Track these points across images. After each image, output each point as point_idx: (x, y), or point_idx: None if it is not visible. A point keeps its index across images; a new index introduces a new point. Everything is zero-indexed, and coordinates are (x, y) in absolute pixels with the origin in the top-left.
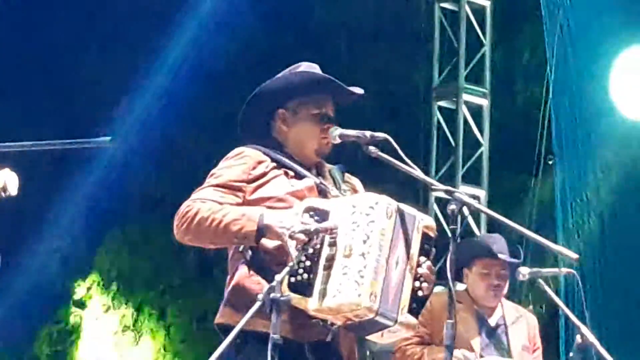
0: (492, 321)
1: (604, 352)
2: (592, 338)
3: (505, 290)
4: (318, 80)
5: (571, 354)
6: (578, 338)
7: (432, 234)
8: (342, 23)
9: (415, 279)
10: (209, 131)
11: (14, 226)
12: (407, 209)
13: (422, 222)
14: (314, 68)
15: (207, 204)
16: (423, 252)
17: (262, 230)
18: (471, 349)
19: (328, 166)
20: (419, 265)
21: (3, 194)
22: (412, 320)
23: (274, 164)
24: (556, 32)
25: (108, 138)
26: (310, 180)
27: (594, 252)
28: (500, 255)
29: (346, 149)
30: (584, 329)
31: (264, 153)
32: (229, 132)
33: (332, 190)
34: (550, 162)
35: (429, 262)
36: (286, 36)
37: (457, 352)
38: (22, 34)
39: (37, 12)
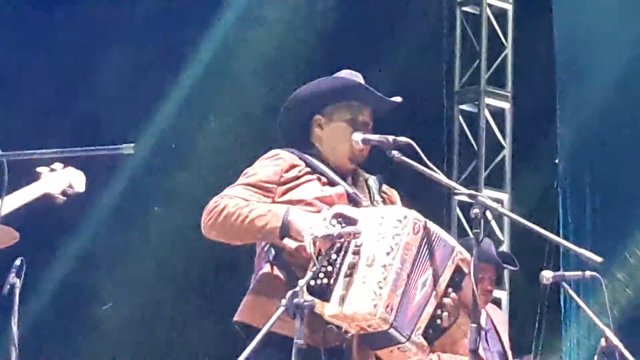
0: (482, 325)
1: (628, 355)
2: (616, 341)
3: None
4: (353, 87)
5: (596, 357)
6: (602, 341)
7: (465, 269)
8: (361, 26)
9: (438, 307)
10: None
11: (40, 235)
12: (445, 235)
13: (460, 255)
14: (355, 76)
15: (234, 200)
16: (452, 283)
17: (286, 227)
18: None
19: (365, 176)
20: (445, 294)
21: (70, 192)
22: (424, 342)
23: (308, 169)
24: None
25: (131, 144)
26: (341, 187)
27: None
28: (506, 266)
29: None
30: (608, 332)
31: (299, 157)
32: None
33: (364, 201)
34: (556, 162)
35: (455, 295)
36: (303, 40)
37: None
38: (39, 37)
39: (57, 14)
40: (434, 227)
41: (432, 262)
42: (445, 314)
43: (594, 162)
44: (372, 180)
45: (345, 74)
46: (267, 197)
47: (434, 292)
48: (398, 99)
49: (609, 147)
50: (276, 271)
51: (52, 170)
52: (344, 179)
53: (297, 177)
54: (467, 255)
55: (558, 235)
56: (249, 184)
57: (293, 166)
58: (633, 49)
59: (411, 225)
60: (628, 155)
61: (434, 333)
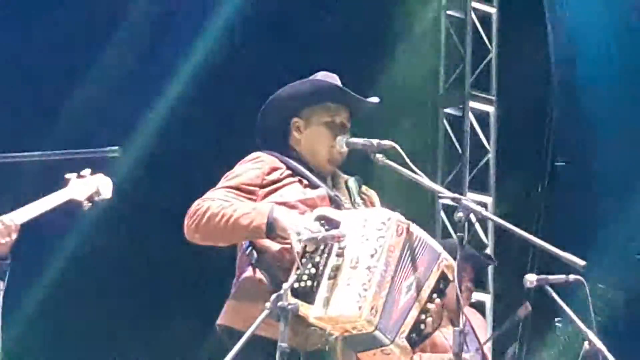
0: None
1: (611, 358)
2: (599, 344)
3: None
4: (329, 89)
5: None
6: (586, 345)
7: (450, 276)
8: (345, 29)
9: (423, 311)
10: (215, 140)
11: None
12: (431, 241)
13: (445, 262)
14: (331, 77)
15: (217, 202)
16: (437, 289)
17: (272, 224)
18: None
19: (344, 177)
20: (430, 300)
21: (97, 198)
22: (408, 346)
23: (289, 172)
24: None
25: (116, 147)
26: (323, 189)
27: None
28: (486, 262)
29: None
30: (592, 336)
31: (280, 160)
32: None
33: (345, 202)
34: (558, 164)
35: (439, 301)
36: (287, 43)
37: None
38: (25, 37)
39: (45, 15)
40: (418, 231)
41: (416, 266)
42: (429, 319)
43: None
44: (352, 182)
45: (322, 75)
46: (249, 200)
47: (419, 297)
48: (375, 99)
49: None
50: (259, 274)
51: (80, 176)
52: (324, 180)
53: (279, 180)
54: (452, 261)
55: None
56: (230, 187)
57: (274, 169)
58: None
59: (394, 227)
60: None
61: (417, 337)
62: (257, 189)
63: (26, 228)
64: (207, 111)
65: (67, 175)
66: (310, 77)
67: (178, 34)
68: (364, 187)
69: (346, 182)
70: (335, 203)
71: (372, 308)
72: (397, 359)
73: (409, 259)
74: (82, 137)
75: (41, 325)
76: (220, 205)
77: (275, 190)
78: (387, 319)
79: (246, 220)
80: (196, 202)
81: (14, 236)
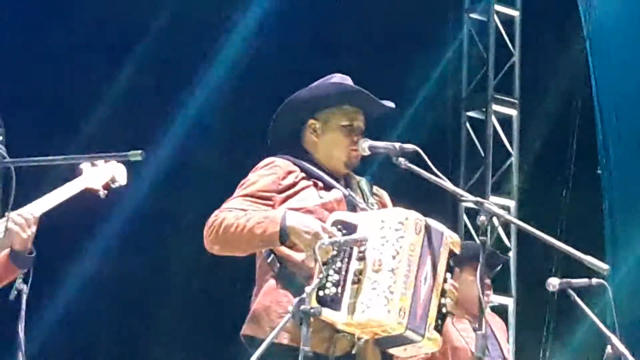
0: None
1: None
2: (622, 348)
3: None
4: (349, 92)
5: None
6: (609, 349)
7: (456, 251)
8: (368, 31)
9: (441, 295)
10: (230, 150)
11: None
12: (435, 224)
13: (450, 238)
14: (346, 80)
15: (233, 212)
16: (448, 268)
17: (285, 232)
18: None
19: (356, 178)
20: (445, 281)
21: (113, 185)
22: (437, 337)
23: (304, 175)
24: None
25: (140, 151)
26: (339, 192)
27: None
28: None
29: (375, 161)
30: (615, 340)
31: (294, 163)
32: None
33: (361, 203)
34: (598, 172)
35: (452, 280)
36: (305, 45)
37: None
38: (50, 40)
39: (69, 18)
40: (431, 222)
41: (431, 255)
42: (448, 300)
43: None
44: (364, 182)
45: (337, 78)
46: (267, 207)
47: (436, 283)
48: (391, 103)
49: None
50: (280, 283)
51: (94, 165)
52: (338, 182)
53: (295, 184)
54: (455, 237)
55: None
56: (247, 195)
57: (289, 172)
58: None
59: (413, 226)
60: None
61: (441, 322)
62: (274, 194)
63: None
64: (228, 119)
65: (81, 165)
66: (325, 79)
67: (201, 42)
68: (374, 188)
69: (358, 183)
70: (351, 205)
71: (400, 310)
72: (429, 350)
73: (426, 252)
74: (106, 141)
75: (64, 330)
76: (236, 215)
77: (293, 195)
78: (415, 316)
79: (259, 229)
80: (214, 213)
81: (34, 229)
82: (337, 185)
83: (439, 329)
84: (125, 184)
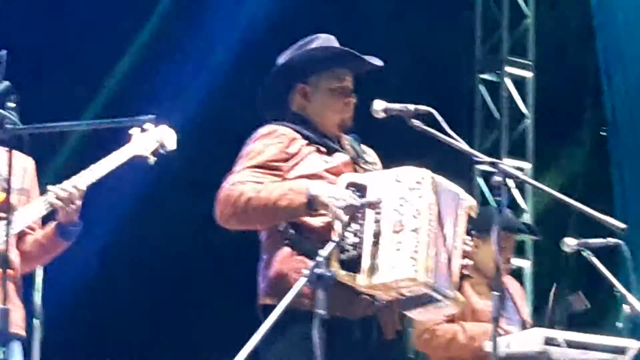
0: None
1: None
2: (639, 307)
3: None
4: (339, 54)
5: (619, 324)
6: (626, 308)
7: (473, 214)
8: None
9: (463, 257)
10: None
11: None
12: (451, 186)
13: (466, 202)
14: (331, 40)
15: (248, 185)
16: (467, 231)
17: (311, 202)
18: None
19: (347, 138)
20: (464, 243)
21: (161, 150)
22: (460, 297)
23: (306, 141)
24: None
25: (152, 116)
26: (345, 155)
27: None
28: (527, 235)
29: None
30: (632, 299)
31: (295, 130)
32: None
33: (365, 164)
34: (603, 134)
35: (471, 242)
36: (323, 8)
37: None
38: (56, 9)
39: None
40: (442, 180)
41: (449, 216)
42: (467, 261)
43: None
44: (353, 141)
45: (322, 39)
46: (276, 177)
47: (456, 244)
48: (379, 61)
49: None
50: (296, 250)
51: (144, 130)
52: (334, 144)
53: (299, 151)
54: (471, 200)
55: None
56: (256, 166)
57: (293, 140)
58: None
59: (430, 184)
60: None
61: (462, 282)
62: (281, 164)
63: None
64: (247, 82)
65: (131, 131)
66: (309, 40)
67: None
68: (362, 146)
69: (349, 142)
70: (357, 166)
71: (426, 269)
72: (451, 310)
73: (443, 212)
74: (120, 107)
75: (81, 300)
76: (253, 188)
77: (299, 162)
78: (440, 276)
79: (285, 201)
80: (226, 188)
81: (79, 202)
82: (339, 148)
83: (459, 289)
84: (174, 148)
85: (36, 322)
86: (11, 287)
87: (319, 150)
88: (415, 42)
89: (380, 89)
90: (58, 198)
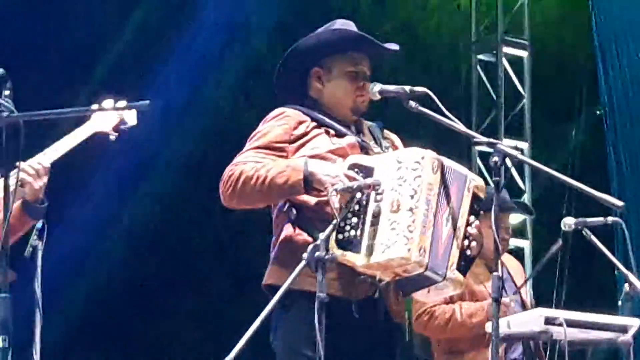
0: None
1: None
2: (639, 285)
3: None
4: (353, 38)
5: (620, 303)
6: (626, 286)
7: (482, 195)
8: None
9: (465, 237)
10: (243, 91)
11: (54, 194)
12: (458, 167)
13: (473, 182)
14: (349, 25)
15: (248, 165)
16: (473, 211)
17: (309, 179)
18: None
19: (367, 123)
20: (468, 224)
21: (123, 127)
22: (460, 277)
23: (315, 124)
24: None
25: (146, 102)
26: (352, 137)
27: None
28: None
29: (386, 105)
30: (632, 277)
31: (304, 113)
32: (262, 91)
33: (374, 147)
34: (598, 112)
35: (477, 222)
36: None
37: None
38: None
39: None
40: (447, 162)
41: (451, 196)
42: (473, 243)
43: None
44: (374, 127)
45: (340, 24)
46: (280, 158)
47: (458, 225)
48: (395, 46)
49: None
50: (299, 230)
51: (102, 108)
52: (349, 129)
53: (306, 133)
54: (480, 181)
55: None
56: (259, 147)
57: (300, 122)
58: None
59: (430, 164)
60: None
61: (465, 264)
62: (286, 145)
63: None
64: (237, 62)
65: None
66: (327, 25)
67: None
68: (385, 132)
69: (369, 128)
70: (364, 149)
71: (420, 249)
72: (452, 291)
73: (445, 192)
74: (115, 88)
75: (78, 284)
76: (254, 167)
77: (305, 144)
78: (435, 256)
79: (282, 178)
80: (228, 168)
81: (45, 179)
82: (348, 131)
83: (462, 270)
84: (135, 124)
85: (37, 314)
86: None
87: (327, 133)
88: (410, 23)
89: (377, 71)
90: (27, 174)
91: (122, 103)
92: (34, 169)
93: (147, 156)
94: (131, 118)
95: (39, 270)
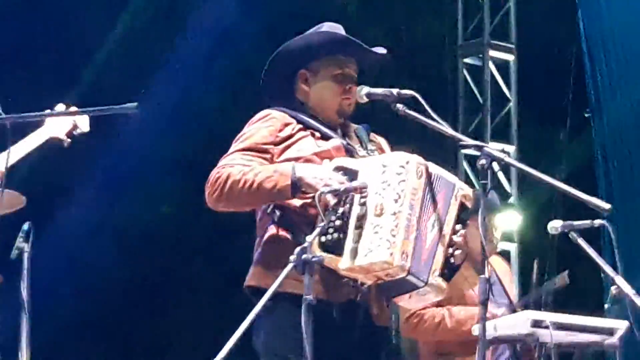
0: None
1: (639, 301)
2: (627, 288)
3: None
4: (340, 41)
5: (607, 306)
6: (613, 289)
7: (469, 204)
8: None
9: (449, 245)
10: (232, 92)
11: (43, 196)
12: (445, 174)
13: (461, 191)
14: (337, 28)
15: (236, 168)
16: (459, 220)
17: (297, 184)
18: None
19: (353, 126)
20: (454, 232)
21: (75, 132)
22: (442, 284)
23: (300, 126)
24: None
25: (134, 104)
26: (338, 140)
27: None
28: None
29: (373, 108)
30: (619, 280)
31: (290, 115)
32: (251, 92)
33: (360, 151)
34: (586, 115)
35: (463, 231)
36: None
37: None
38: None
39: None
40: (434, 168)
41: (437, 203)
42: (457, 252)
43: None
44: (361, 130)
45: (327, 26)
46: (265, 160)
47: (443, 232)
48: (383, 50)
49: None
50: (282, 232)
51: (83, 111)
52: (335, 131)
53: (292, 135)
54: (468, 190)
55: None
56: (245, 149)
57: (286, 124)
58: None
59: (414, 169)
60: None
61: (449, 272)
62: (271, 147)
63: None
64: (227, 67)
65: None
66: (315, 28)
67: None
68: (372, 135)
69: (355, 131)
70: (350, 152)
71: (402, 253)
72: (433, 298)
73: (430, 197)
74: (101, 95)
75: (69, 286)
76: (241, 170)
77: (290, 145)
78: (418, 261)
79: (270, 183)
80: (215, 171)
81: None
82: (334, 134)
83: (446, 277)
84: (87, 130)
85: (24, 317)
86: None
87: (313, 135)
88: (397, 27)
89: (363, 74)
90: None
91: (74, 108)
92: None
93: (138, 158)
94: (84, 124)
95: (25, 272)
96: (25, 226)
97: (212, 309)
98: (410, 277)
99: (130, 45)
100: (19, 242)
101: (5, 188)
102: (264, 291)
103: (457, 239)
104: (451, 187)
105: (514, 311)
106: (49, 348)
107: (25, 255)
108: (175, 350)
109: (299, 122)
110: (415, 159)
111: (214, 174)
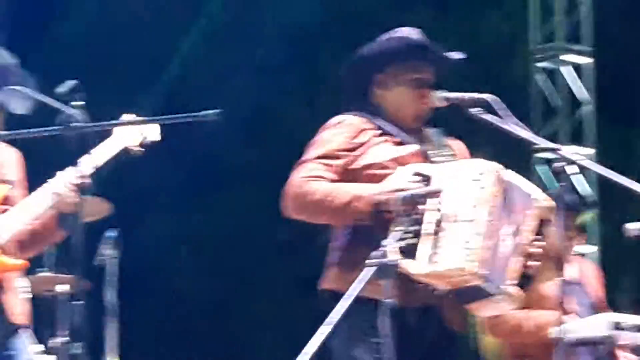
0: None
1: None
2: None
3: None
4: (417, 46)
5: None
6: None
7: (550, 217)
8: None
9: (526, 255)
10: (302, 96)
11: (127, 203)
12: (521, 182)
13: (540, 202)
14: (416, 33)
15: (317, 184)
16: (537, 231)
17: (376, 211)
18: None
19: (429, 130)
20: (531, 243)
21: (147, 142)
22: (517, 293)
23: (376, 131)
24: None
25: (216, 111)
26: (415, 146)
27: None
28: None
29: (445, 113)
30: None
31: (366, 120)
32: (322, 97)
33: (436, 156)
34: None
35: (541, 243)
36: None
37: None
38: (112, 6)
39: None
40: (513, 176)
41: (515, 212)
42: (534, 262)
43: None
44: (437, 134)
45: (406, 31)
46: (339, 167)
47: (520, 242)
48: (461, 55)
49: None
50: (358, 235)
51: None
52: (411, 136)
53: (367, 141)
54: (548, 202)
55: None
56: (322, 156)
57: (362, 130)
58: None
59: (493, 176)
60: None
61: (524, 282)
62: (347, 153)
63: None
64: (301, 72)
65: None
66: (394, 32)
67: None
68: (449, 139)
69: (431, 135)
70: (426, 158)
71: (479, 261)
72: (507, 306)
73: (507, 206)
74: (179, 102)
75: (150, 286)
76: (323, 190)
77: (365, 151)
78: (494, 269)
79: (351, 209)
80: (295, 184)
81: (75, 194)
82: (411, 139)
83: (521, 287)
84: (159, 139)
85: (110, 319)
86: (10, 276)
87: (389, 141)
88: (469, 31)
89: (438, 79)
90: (64, 186)
91: (133, 116)
92: (71, 183)
93: (215, 166)
94: (154, 134)
95: (113, 278)
96: (112, 233)
97: (290, 311)
98: (485, 285)
99: (206, 52)
100: (104, 248)
101: (91, 195)
102: (341, 294)
103: (533, 250)
104: (527, 196)
105: (597, 311)
106: (134, 352)
107: (113, 262)
108: (254, 353)
109: (375, 127)
110: (494, 166)
111: (293, 188)
